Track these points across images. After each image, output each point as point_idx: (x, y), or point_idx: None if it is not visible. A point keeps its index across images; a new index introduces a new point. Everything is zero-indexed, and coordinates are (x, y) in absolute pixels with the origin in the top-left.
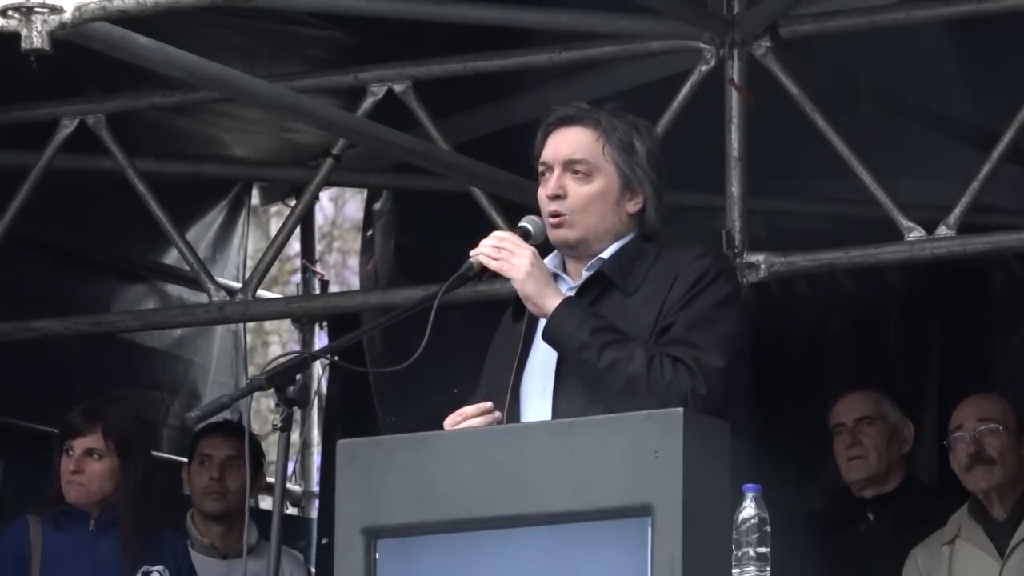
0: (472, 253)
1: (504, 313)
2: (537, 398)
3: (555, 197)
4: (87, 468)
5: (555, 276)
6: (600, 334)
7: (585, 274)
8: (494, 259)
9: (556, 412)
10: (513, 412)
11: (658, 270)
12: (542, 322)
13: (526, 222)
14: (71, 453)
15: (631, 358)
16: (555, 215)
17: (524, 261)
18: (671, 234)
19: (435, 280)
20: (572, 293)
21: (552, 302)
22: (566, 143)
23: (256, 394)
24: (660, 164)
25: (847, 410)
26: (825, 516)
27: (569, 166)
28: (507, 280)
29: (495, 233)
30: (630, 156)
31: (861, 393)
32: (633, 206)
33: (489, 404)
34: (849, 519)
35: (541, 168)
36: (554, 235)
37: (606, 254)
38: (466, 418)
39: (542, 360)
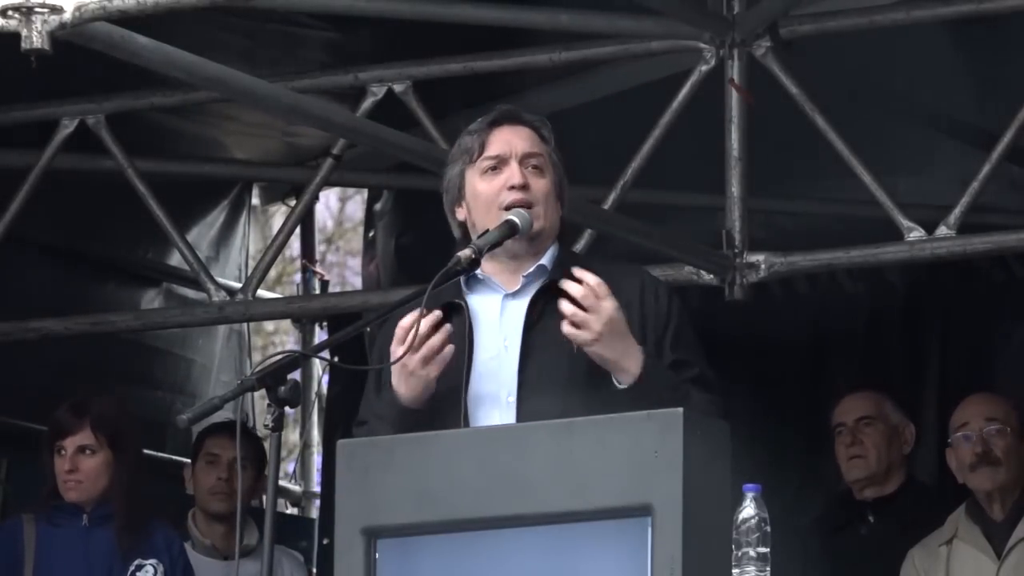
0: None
1: (398, 317)
2: (492, 406)
3: (522, 187)
4: (82, 465)
5: (479, 281)
6: (677, 389)
7: (524, 280)
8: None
9: (521, 418)
10: (467, 421)
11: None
12: (479, 329)
13: (513, 215)
14: (63, 452)
15: (696, 408)
16: (521, 204)
17: (597, 324)
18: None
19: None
20: (521, 300)
21: (635, 363)
22: (520, 138)
23: (258, 395)
24: None
25: (848, 410)
26: (826, 519)
27: (526, 160)
28: None
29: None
30: (561, 161)
31: (863, 394)
32: (561, 210)
33: (438, 313)
34: (850, 522)
35: (490, 162)
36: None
37: (544, 260)
38: (415, 332)
39: (490, 368)
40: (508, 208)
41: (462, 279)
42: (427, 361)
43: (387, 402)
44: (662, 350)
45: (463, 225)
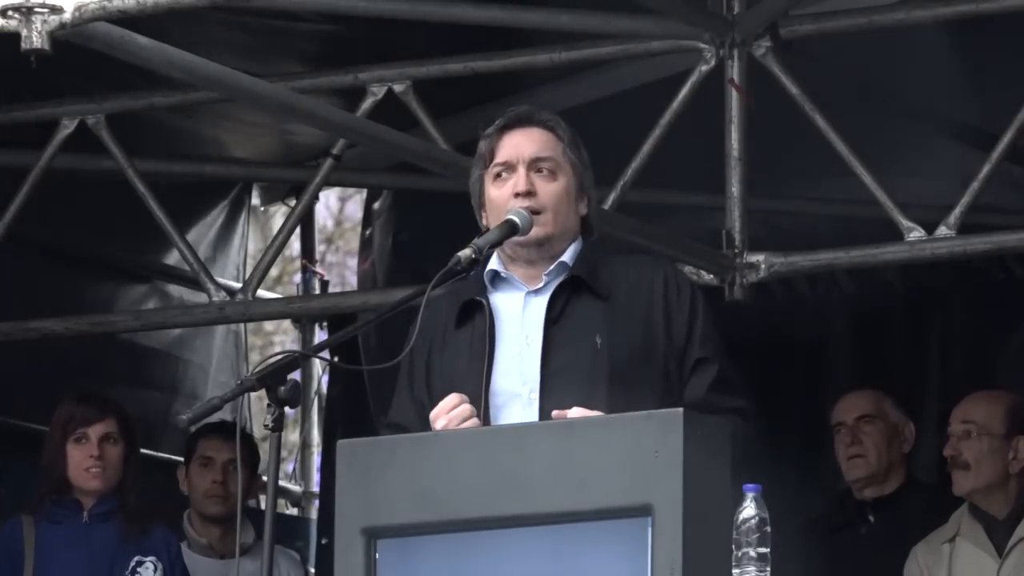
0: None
1: (426, 317)
2: (515, 403)
3: (527, 194)
4: (107, 453)
5: (502, 278)
6: None
7: (546, 278)
8: None
9: (544, 414)
10: (487, 419)
11: (622, 278)
12: (500, 326)
13: (512, 214)
14: (87, 440)
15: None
16: (532, 212)
17: None
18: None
19: (434, 277)
20: (542, 297)
21: None
22: (529, 142)
23: (255, 395)
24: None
25: (848, 408)
26: (826, 519)
27: (535, 164)
28: None
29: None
30: (580, 159)
31: (862, 392)
32: (583, 208)
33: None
34: (850, 521)
35: (499, 168)
36: (530, 233)
37: (565, 257)
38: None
39: (511, 365)
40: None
41: (486, 277)
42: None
43: (417, 407)
44: (689, 350)
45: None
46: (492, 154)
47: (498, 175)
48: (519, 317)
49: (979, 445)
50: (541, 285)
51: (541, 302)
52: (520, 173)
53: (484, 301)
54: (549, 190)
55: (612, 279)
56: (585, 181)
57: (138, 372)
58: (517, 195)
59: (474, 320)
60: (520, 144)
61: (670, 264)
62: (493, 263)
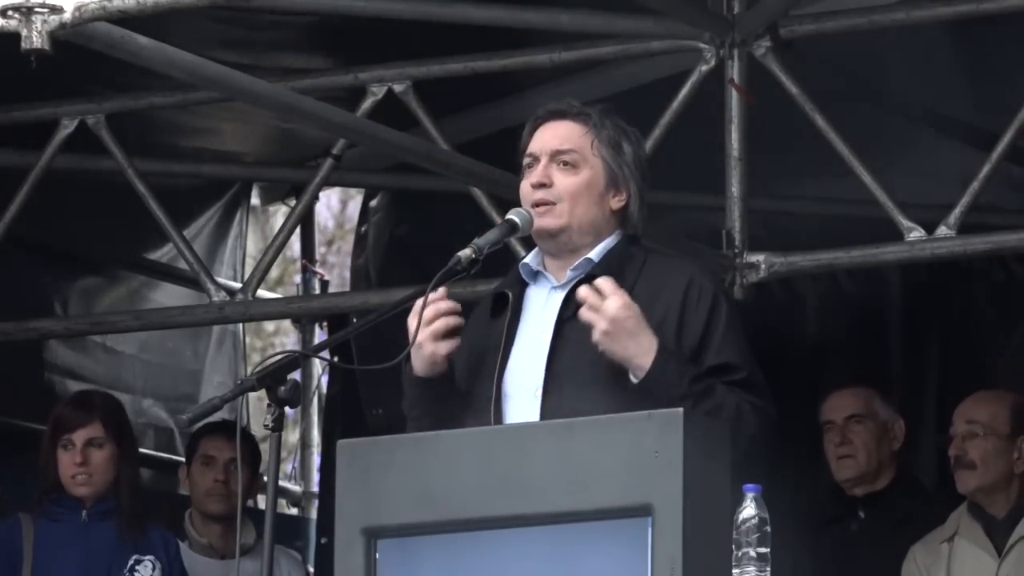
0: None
1: (479, 305)
2: (522, 397)
3: (540, 185)
4: (92, 458)
5: (536, 274)
6: (695, 384)
7: (571, 274)
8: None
9: (545, 412)
10: (498, 412)
11: (648, 278)
12: (525, 320)
13: (513, 214)
14: (71, 446)
15: (721, 408)
16: (540, 203)
17: (602, 322)
18: (655, 233)
19: (430, 274)
20: (562, 293)
21: (646, 358)
22: (554, 135)
23: (255, 395)
24: (645, 169)
25: (837, 407)
26: (817, 514)
27: (556, 157)
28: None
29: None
30: (617, 153)
31: (851, 390)
32: (617, 203)
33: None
34: (841, 517)
35: (527, 160)
36: (538, 224)
37: (593, 254)
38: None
39: (525, 359)
40: (534, 206)
41: (523, 271)
42: (436, 337)
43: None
44: (702, 356)
45: None
46: (525, 147)
47: (526, 167)
48: (541, 312)
49: (985, 445)
50: (565, 281)
51: (560, 298)
52: (540, 165)
53: (509, 294)
54: (566, 182)
55: (638, 278)
56: (620, 175)
57: (136, 372)
58: (533, 186)
59: (505, 312)
60: (546, 137)
61: (701, 269)
62: (530, 257)
